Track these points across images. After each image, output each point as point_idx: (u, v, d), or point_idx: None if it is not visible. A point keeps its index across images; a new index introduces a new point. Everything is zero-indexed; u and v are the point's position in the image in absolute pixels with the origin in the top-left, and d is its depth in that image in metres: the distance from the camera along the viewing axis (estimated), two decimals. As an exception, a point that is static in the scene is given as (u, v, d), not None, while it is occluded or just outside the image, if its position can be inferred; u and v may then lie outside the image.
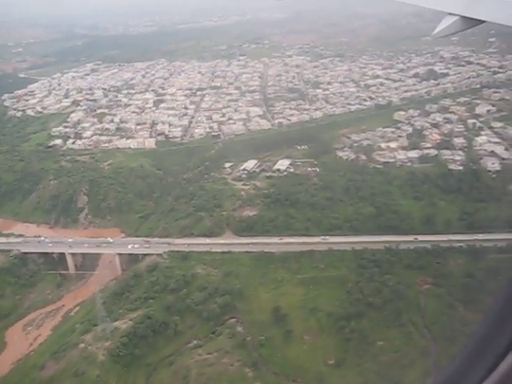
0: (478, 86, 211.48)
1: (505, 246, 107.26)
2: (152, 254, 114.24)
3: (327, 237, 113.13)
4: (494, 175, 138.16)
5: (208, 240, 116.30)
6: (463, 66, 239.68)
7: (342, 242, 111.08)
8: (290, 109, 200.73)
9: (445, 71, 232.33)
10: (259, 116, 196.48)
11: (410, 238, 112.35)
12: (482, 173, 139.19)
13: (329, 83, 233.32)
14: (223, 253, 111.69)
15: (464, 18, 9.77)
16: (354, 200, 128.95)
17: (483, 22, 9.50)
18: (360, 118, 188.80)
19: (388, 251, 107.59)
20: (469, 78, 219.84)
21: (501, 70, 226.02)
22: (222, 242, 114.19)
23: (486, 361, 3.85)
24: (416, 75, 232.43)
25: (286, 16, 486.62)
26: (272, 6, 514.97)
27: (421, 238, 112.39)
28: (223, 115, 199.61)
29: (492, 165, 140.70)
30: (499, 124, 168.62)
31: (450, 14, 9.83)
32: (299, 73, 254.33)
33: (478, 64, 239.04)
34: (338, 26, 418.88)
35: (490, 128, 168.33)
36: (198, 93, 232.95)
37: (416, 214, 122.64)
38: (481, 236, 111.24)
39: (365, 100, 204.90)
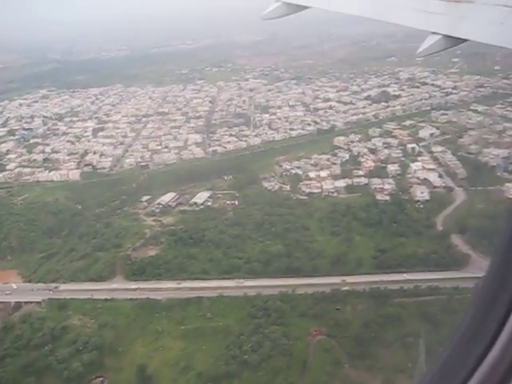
0: (428, 107, 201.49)
1: (412, 288, 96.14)
2: (32, 302, 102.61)
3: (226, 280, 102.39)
4: (421, 205, 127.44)
5: (95, 285, 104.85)
6: (417, 87, 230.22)
7: (234, 287, 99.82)
8: (230, 135, 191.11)
9: (398, 93, 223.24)
10: (197, 144, 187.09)
11: (312, 280, 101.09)
12: (408, 203, 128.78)
13: (278, 107, 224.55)
14: (106, 300, 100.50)
15: (447, 36, 9.34)
16: (266, 237, 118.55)
17: (466, 40, 9.20)
18: (299, 144, 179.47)
19: (283, 297, 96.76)
20: (421, 99, 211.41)
21: (454, 91, 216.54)
22: (107, 287, 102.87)
23: (474, 352, 3.70)
24: (368, 97, 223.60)
25: (260, 38, 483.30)
26: (249, 29, 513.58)
27: (324, 280, 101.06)
28: (160, 143, 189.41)
29: (421, 194, 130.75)
30: (440, 148, 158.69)
31: (434, 32, 9.57)
32: (251, 97, 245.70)
33: (432, 85, 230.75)
34: (308, 47, 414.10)
35: (430, 153, 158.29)
36: (144, 119, 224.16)
37: (329, 251, 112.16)
38: (390, 277, 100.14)
39: (309, 125, 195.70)
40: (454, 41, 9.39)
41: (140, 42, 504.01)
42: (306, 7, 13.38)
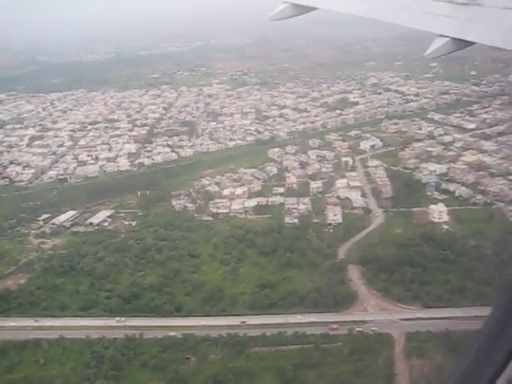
0: (383, 116, 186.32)
1: (276, 334, 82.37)
2: None
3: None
4: (330, 230, 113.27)
5: None
6: (380, 93, 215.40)
7: (77, 326, 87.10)
8: (165, 146, 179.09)
9: (357, 100, 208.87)
10: (129, 155, 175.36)
11: (170, 321, 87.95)
12: (316, 227, 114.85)
13: (229, 115, 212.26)
14: None
15: (454, 39, 9.23)
16: (147, 265, 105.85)
17: (474, 43, 9.04)
18: (232, 156, 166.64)
19: (128, 342, 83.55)
20: (378, 107, 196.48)
21: (415, 99, 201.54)
22: None
23: (497, 358, 3.82)
24: (324, 104, 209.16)
25: (249, 41, 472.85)
26: (243, 31, 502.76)
27: (184, 321, 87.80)
28: (91, 154, 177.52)
29: (334, 216, 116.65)
30: (376, 162, 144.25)
31: (441, 35, 9.44)
32: (208, 103, 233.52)
33: (396, 91, 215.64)
34: (293, 51, 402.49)
35: (364, 167, 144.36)
36: (89, 127, 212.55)
37: (208, 285, 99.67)
38: (257, 319, 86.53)
39: (251, 134, 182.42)
40: (462, 43, 9.23)
41: (133, 43, 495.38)
42: (313, 8, 13.43)
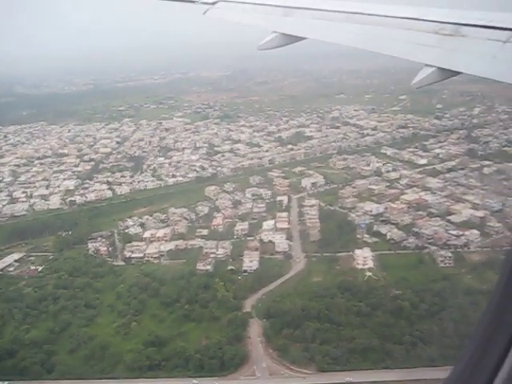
0: (335, 151, 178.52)
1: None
2: None
3: None
4: (242, 278, 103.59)
5: None
6: (337, 127, 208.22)
7: None
8: (104, 183, 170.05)
9: (312, 134, 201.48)
10: (65, 192, 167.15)
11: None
12: (228, 275, 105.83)
13: (181, 150, 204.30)
14: None
15: (441, 69, 9.35)
16: (38, 318, 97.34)
17: (459, 73, 9.15)
18: (169, 194, 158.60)
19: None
20: (332, 141, 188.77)
21: (372, 132, 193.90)
22: None
23: (494, 356, 3.81)
24: (278, 139, 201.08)
25: (228, 73, 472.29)
26: (224, 64, 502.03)
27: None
28: (26, 191, 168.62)
29: (250, 263, 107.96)
30: (313, 202, 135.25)
31: (427, 65, 9.59)
32: (163, 138, 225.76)
33: (354, 125, 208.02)
34: (268, 83, 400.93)
35: (300, 207, 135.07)
36: (36, 162, 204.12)
37: (95, 341, 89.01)
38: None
39: (194, 171, 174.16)
40: (448, 73, 9.32)
41: (113, 75, 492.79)
42: (302, 38, 13.44)
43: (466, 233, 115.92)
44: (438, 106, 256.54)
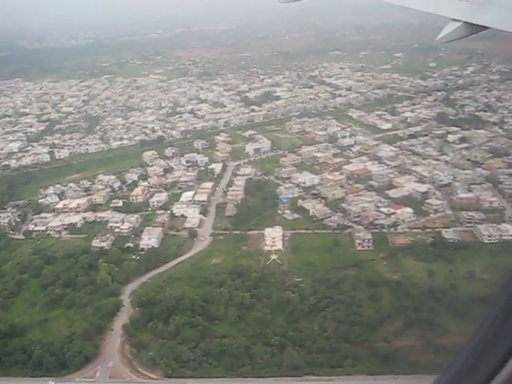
0: (298, 113, 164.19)
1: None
2: None
3: None
4: (138, 257, 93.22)
5: None
6: (311, 87, 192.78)
7: None
8: (47, 146, 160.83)
9: (281, 94, 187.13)
10: (9, 154, 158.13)
11: None
12: (121, 253, 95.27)
13: (143, 109, 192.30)
14: None
15: (467, 23, 8.92)
16: None
17: (486, 28, 8.74)
18: (108, 158, 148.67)
19: None
20: (300, 102, 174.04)
21: (345, 93, 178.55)
22: None
23: (488, 364, 3.78)
24: (244, 99, 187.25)
25: (232, 28, 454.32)
26: (232, 18, 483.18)
27: None
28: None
29: (148, 240, 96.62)
30: (248, 170, 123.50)
31: (454, 19, 9.07)
32: (132, 96, 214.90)
33: (329, 85, 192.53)
34: (267, 39, 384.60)
35: (234, 175, 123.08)
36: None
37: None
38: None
39: (144, 133, 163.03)
40: (475, 28, 8.83)
41: (118, 29, 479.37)
42: None
43: (398, 211, 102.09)
44: (431, 64, 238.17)
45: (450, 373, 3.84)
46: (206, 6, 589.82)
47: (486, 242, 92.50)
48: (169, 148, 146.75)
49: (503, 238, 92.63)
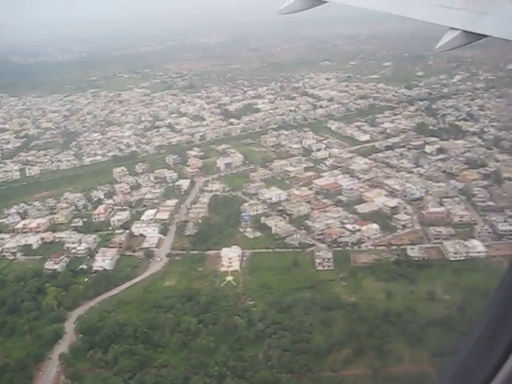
0: (276, 125, 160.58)
1: None
2: None
3: None
4: (89, 280, 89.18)
5: None
6: (293, 98, 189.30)
7: None
8: (20, 163, 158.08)
9: (262, 106, 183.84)
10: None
11: None
12: (72, 276, 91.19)
13: (123, 124, 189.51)
14: None
15: (466, 32, 9.10)
16: None
17: (485, 36, 8.85)
18: (78, 175, 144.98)
19: None
20: (280, 114, 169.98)
21: (326, 104, 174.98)
22: None
23: (490, 360, 3.74)
24: (224, 112, 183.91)
25: (224, 40, 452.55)
26: (224, 31, 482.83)
27: None
28: None
29: (102, 262, 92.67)
30: (217, 186, 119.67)
31: (452, 28, 9.27)
32: (113, 111, 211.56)
33: (312, 96, 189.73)
34: (260, 50, 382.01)
35: (202, 192, 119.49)
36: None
37: None
38: None
39: (118, 149, 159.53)
40: (473, 36, 9.01)
41: (112, 42, 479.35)
42: (323, 1, 13.03)
43: (364, 228, 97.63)
44: (418, 73, 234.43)
45: (452, 370, 3.69)
46: (202, 19, 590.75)
47: (452, 259, 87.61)
48: (140, 164, 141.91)
49: (469, 254, 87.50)
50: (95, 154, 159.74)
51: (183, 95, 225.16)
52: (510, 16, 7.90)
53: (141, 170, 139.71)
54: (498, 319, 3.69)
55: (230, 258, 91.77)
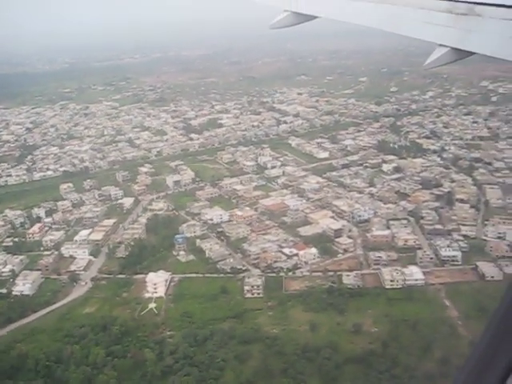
0: (236, 141, 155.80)
1: None
2: None
3: None
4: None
5: None
6: (259, 113, 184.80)
7: None
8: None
9: (225, 121, 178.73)
10: None
11: None
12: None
13: (84, 138, 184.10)
14: None
15: (455, 49, 9.28)
16: None
17: (474, 53, 9.03)
18: (24, 191, 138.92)
19: None
20: (242, 130, 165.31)
21: (290, 120, 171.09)
22: None
23: (505, 358, 3.69)
24: (187, 127, 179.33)
25: (207, 53, 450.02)
26: (210, 44, 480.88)
27: None
28: None
29: (22, 286, 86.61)
30: (160, 205, 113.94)
31: (441, 45, 9.44)
32: (77, 124, 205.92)
33: (279, 111, 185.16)
34: (240, 64, 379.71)
35: (145, 211, 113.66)
36: None
37: None
38: None
39: (70, 164, 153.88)
40: (462, 53, 9.18)
41: (99, 53, 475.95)
42: (313, 17, 13.22)
43: (302, 252, 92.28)
44: (392, 89, 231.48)
45: (465, 372, 3.64)
46: (191, 31, 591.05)
47: (388, 287, 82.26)
48: (88, 180, 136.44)
49: (406, 282, 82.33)
50: (47, 169, 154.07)
51: (151, 109, 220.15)
52: (498, 33, 8.00)
53: (88, 187, 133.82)
54: (502, 332, 3.51)
55: (156, 283, 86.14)
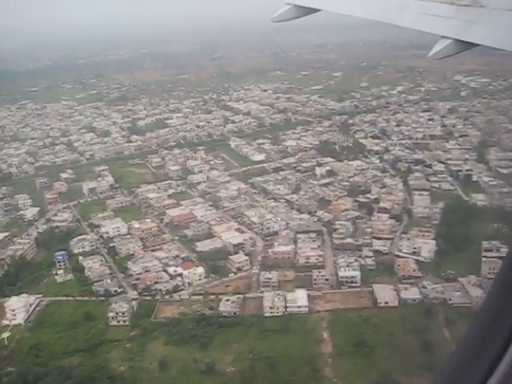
0: (174, 143, 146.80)
1: None
2: None
3: None
4: None
5: None
6: (210, 112, 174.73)
7: None
8: None
9: (173, 121, 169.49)
10: None
11: None
12: None
13: (26, 139, 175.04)
14: None
15: (457, 41, 9.10)
16: None
17: (477, 45, 8.90)
18: None
19: None
20: (185, 130, 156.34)
21: (239, 119, 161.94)
22: None
23: (486, 358, 3.68)
24: (133, 127, 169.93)
25: (192, 49, 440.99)
26: (198, 39, 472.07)
27: None
28: None
29: None
30: (65, 215, 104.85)
31: (444, 37, 9.24)
32: (26, 125, 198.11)
33: (230, 109, 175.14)
34: (222, 59, 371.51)
35: (48, 222, 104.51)
36: None
37: None
38: None
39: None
40: (465, 45, 9.04)
41: (84, 50, 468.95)
42: (315, 10, 13.10)
43: (186, 272, 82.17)
44: (362, 84, 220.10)
45: (450, 366, 3.64)
46: (183, 25, 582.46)
47: (267, 315, 71.68)
48: (5, 187, 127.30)
49: (288, 310, 71.69)
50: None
51: (106, 108, 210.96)
52: (502, 24, 7.89)
53: (0, 195, 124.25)
54: (495, 312, 3.55)
55: (15, 309, 76.00)
